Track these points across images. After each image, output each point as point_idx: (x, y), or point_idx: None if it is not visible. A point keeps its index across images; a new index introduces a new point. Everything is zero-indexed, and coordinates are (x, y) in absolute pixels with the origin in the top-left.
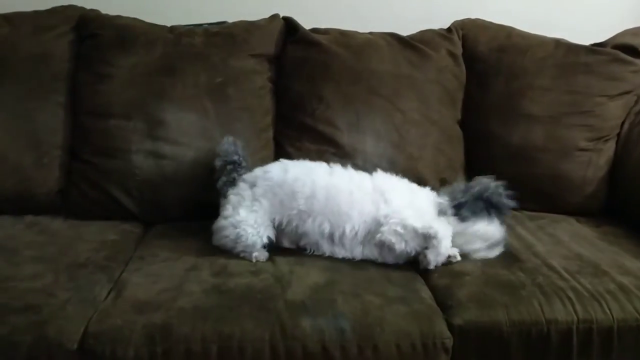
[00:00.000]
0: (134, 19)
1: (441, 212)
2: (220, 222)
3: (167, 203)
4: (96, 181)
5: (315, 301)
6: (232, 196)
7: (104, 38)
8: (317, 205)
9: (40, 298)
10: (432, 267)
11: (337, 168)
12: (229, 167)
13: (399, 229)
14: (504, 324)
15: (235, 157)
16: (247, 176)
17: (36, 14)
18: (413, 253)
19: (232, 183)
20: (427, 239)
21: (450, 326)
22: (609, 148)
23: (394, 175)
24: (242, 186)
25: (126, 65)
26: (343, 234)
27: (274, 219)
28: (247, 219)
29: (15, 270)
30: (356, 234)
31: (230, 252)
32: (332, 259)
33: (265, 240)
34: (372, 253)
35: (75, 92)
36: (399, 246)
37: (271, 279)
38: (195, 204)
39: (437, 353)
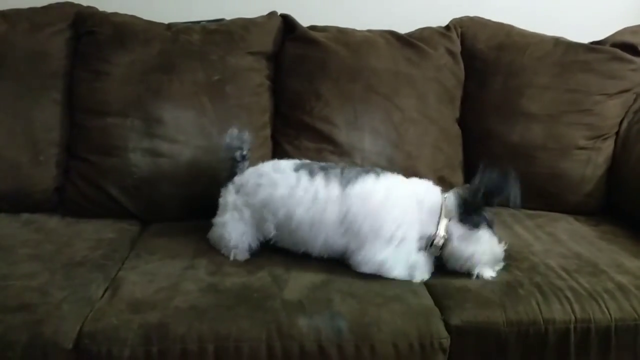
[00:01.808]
0: (131, 16)
1: (447, 215)
2: (214, 218)
3: (164, 201)
4: (93, 179)
5: (312, 300)
6: (221, 198)
7: (101, 35)
8: (285, 232)
9: (36, 297)
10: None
11: (302, 181)
12: (230, 162)
13: (368, 268)
14: (501, 323)
15: (237, 154)
16: (237, 179)
17: (33, 11)
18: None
19: (229, 180)
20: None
21: (447, 326)
22: (608, 146)
23: (395, 173)
24: (229, 189)
25: (123, 63)
26: (318, 255)
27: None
28: (230, 223)
29: (11, 268)
30: (329, 257)
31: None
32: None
33: (247, 246)
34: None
35: (72, 90)
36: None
37: (268, 278)
38: (192, 202)
39: (434, 353)
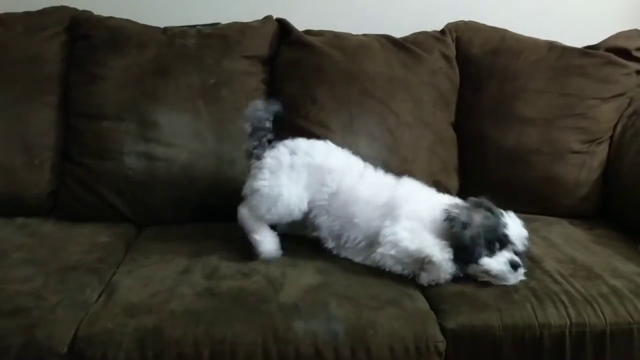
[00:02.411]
0: (127, 20)
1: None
2: (256, 183)
3: (160, 205)
4: (88, 183)
5: (308, 304)
6: (270, 159)
7: (97, 39)
8: (335, 204)
9: (30, 301)
10: (425, 284)
11: (369, 170)
12: (260, 133)
13: (393, 252)
14: (496, 327)
15: (267, 124)
16: (289, 142)
17: (28, 14)
18: (411, 275)
19: (268, 145)
20: (423, 262)
21: (443, 329)
22: (602, 151)
23: (423, 184)
24: (282, 150)
25: (119, 67)
26: (348, 239)
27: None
28: (288, 184)
29: (5, 272)
30: (359, 243)
31: (222, 254)
32: (325, 260)
33: (303, 208)
34: (372, 263)
35: (68, 94)
36: (395, 268)
37: (263, 282)
38: (187, 205)
39: (430, 356)
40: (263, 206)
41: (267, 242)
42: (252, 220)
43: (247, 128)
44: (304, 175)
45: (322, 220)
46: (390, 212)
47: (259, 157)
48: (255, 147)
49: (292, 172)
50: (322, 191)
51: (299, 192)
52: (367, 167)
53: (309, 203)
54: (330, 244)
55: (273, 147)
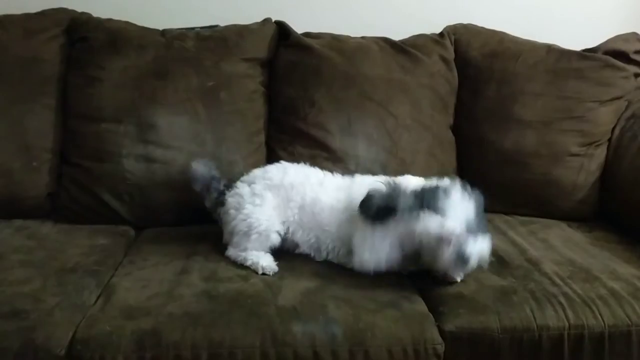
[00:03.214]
0: (126, 22)
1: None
2: (228, 226)
3: (158, 207)
4: (86, 185)
5: (306, 306)
6: (231, 199)
7: (95, 41)
8: (305, 218)
9: (28, 303)
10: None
11: (328, 177)
12: (212, 186)
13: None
14: (495, 330)
15: (214, 173)
16: (245, 177)
17: (26, 16)
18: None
19: (224, 193)
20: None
21: (441, 332)
22: (601, 153)
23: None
24: (239, 185)
25: (117, 69)
26: (327, 249)
27: (281, 211)
28: (254, 211)
29: (3, 274)
30: (338, 251)
31: (220, 257)
32: (322, 263)
33: (277, 228)
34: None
35: (66, 96)
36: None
37: (261, 284)
38: (186, 208)
39: (428, 358)
40: (242, 242)
41: (263, 260)
42: (240, 253)
43: (199, 189)
44: (269, 196)
45: (299, 236)
46: (352, 213)
47: (222, 204)
48: (216, 199)
49: (254, 198)
50: (290, 207)
51: (267, 215)
52: (326, 175)
53: (283, 223)
54: (316, 257)
55: (231, 187)
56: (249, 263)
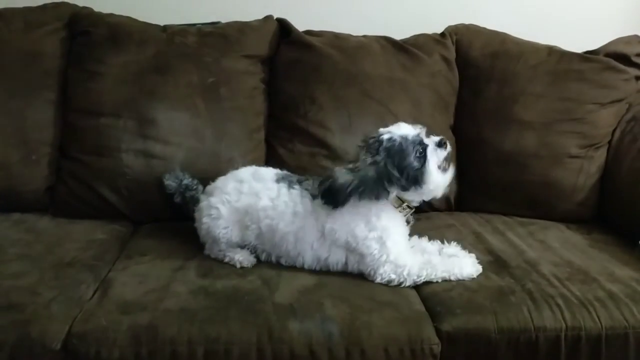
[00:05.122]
0: (127, 17)
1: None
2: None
3: (156, 203)
4: (85, 179)
5: (303, 304)
6: (197, 212)
7: (96, 36)
8: (268, 244)
9: (25, 297)
10: None
11: (282, 193)
12: (186, 194)
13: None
14: (492, 330)
15: (186, 182)
16: (208, 187)
17: (28, 10)
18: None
19: (193, 201)
20: None
21: (438, 332)
22: (600, 155)
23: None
24: (201, 197)
25: (118, 64)
26: (302, 262)
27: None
28: (212, 224)
29: (0, 268)
30: (318, 261)
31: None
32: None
33: (237, 240)
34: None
35: (66, 90)
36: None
37: (258, 281)
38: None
39: (425, 358)
40: (213, 247)
41: (238, 255)
42: (217, 251)
43: (178, 200)
44: (224, 210)
45: (272, 256)
46: (324, 216)
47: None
48: (194, 206)
49: (211, 211)
50: (248, 232)
51: (224, 227)
52: (281, 188)
53: (248, 243)
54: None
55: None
56: (227, 260)
